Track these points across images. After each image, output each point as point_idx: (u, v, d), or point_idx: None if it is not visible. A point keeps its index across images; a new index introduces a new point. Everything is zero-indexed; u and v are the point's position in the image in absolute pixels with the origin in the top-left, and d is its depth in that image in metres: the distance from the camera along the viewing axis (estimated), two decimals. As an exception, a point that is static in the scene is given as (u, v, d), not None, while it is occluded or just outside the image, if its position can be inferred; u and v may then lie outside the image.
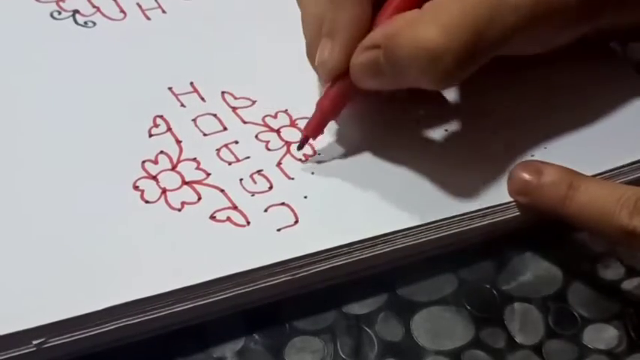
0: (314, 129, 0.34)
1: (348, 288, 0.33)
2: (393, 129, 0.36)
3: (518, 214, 0.34)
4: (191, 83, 0.38)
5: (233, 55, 0.39)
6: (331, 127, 0.36)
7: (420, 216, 0.33)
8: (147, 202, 0.33)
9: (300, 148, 0.35)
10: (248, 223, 0.32)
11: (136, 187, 0.33)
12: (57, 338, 0.29)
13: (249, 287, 0.31)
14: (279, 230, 0.32)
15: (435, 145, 0.36)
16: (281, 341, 0.32)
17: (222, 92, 0.37)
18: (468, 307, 0.33)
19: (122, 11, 0.41)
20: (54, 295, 0.29)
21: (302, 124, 0.36)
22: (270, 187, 0.34)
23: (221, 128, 0.36)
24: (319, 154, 0.35)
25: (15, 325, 0.28)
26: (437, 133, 0.37)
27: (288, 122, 0.36)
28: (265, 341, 0.32)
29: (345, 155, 0.35)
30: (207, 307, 0.31)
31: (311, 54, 0.35)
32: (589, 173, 0.34)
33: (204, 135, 0.36)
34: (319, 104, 0.34)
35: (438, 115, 0.38)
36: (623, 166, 0.36)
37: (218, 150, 0.35)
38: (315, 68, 0.35)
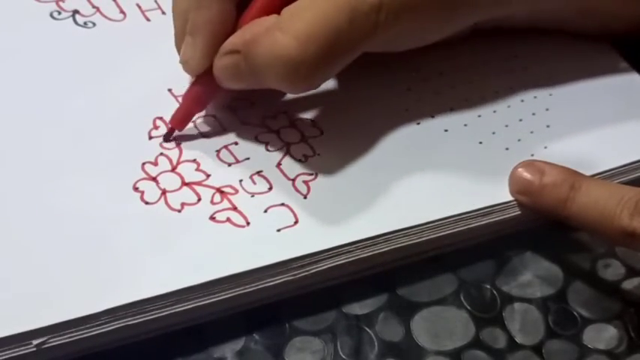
0: (179, 121, 0.35)
1: (348, 288, 0.33)
2: (394, 129, 0.36)
3: (518, 213, 0.34)
4: (191, 85, 0.38)
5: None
6: (332, 126, 0.36)
7: (419, 215, 0.33)
8: (147, 203, 0.33)
9: (166, 139, 0.35)
10: (248, 223, 0.32)
11: (135, 189, 0.33)
12: (57, 339, 0.29)
13: (249, 287, 0.31)
14: (279, 230, 0.32)
15: (435, 145, 0.36)
16: (281, 341, 0.32)
17: (221, 94, 0.38)
18: (468, 307, 0.33)
19: (122, 12, 0.41)
20: (54, 296, 0.29)
21: (301, 124, 0.36)
22: (270, 188, 0.34)
23: (220, 129, 0.36)
24: (319, 155, 0.35)
25: (15, 327, 0.28)
26: (437, 134, 0.37)
27: (287, 123, 0.36)
28: (265, 341, 0.32)
29: (345, 155, 0.35)
30: (207, 308, 0.31)
31: (178, 48, 0.35)
32: (589, 173, 0.34)
33: (204, 136, 0.36)
34: (184, 97, 0.35)
35: (439, 115, 0.38)
36: (623, 166, 0.36)
37: (218, 151, 0.35)
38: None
